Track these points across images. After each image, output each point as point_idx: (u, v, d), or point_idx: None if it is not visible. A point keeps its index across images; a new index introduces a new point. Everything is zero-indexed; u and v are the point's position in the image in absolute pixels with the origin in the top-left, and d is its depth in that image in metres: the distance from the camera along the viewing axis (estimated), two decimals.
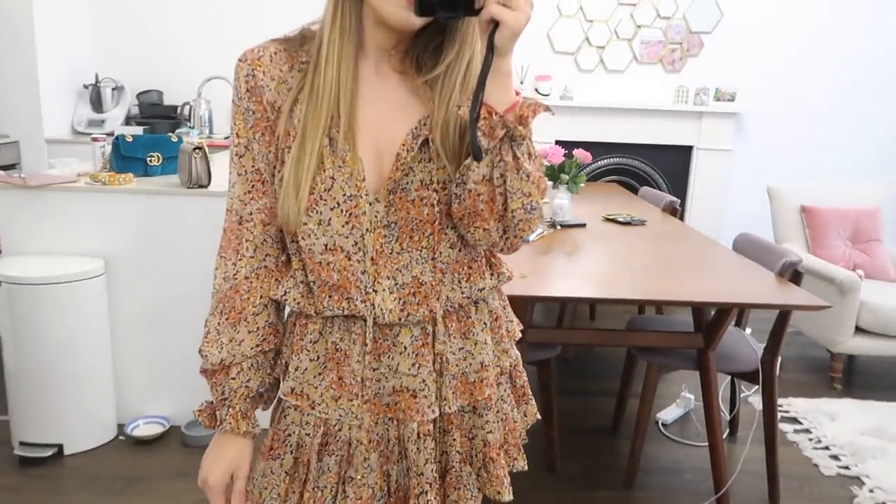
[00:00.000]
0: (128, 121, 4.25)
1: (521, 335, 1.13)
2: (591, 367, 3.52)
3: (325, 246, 0.94)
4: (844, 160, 4.73)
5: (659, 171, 4.75)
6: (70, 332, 2.43)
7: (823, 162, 4.73)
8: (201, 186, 2.53)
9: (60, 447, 2.47)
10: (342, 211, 0.93)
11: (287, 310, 1.05)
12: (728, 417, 2.87)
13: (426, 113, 0.94)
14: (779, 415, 3.00)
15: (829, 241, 3.64)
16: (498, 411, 1.06)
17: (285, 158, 0.93)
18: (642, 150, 4.71)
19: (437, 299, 0.98)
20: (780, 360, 3.54)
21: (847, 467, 2.60)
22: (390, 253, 0.95)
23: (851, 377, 3.51)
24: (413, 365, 0.98)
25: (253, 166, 0.97)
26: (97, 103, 4.18)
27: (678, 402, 3.02)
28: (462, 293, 1.00)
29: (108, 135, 3.90)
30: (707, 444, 2.29)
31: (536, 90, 4.49)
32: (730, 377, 2.82)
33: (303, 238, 0.95)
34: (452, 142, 0.92)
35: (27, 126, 3.92)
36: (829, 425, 2.91)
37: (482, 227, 0.92)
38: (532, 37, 4.50)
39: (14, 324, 2.39)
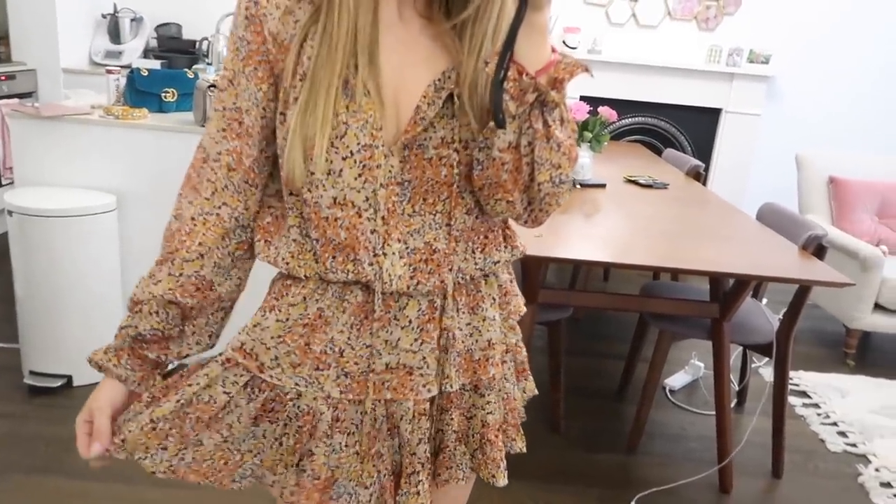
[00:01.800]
0: (145, 53, 4.19)
1: (525, 310, 1.07)
2: (602, 328, 3.49)
3: (334, 199, 0.85)
4: (876, 133, 4.57)
5: (685, 133, 4.63)
6: (80, 265, 2.42)
7: (854, 133, 4.58)
8: None
9: (69, 378, 2.49)
10: (356, 161, 0.83)
11: (275, 273, 0.96)
12: (737, 388, 2.84)
13: (452, 64, 0.86)
14: (789, 387, 2.98)
15: (855, 214, 3.55)
16: (500, 390, 1.00)
17: (290, 102, 0.84)
18: (669, 110, 4.59)
19: (450, 269, 0.89)
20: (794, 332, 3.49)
21: (854, 445, 2.57)
22: (402, 214, 0.86)
23: (866, 354, 3.46)
24: (416, 341, 0.90)
25: (234, 103, 0.87)
26: (115, 34, 4.10)
27: (687, 368, 3.00)
28: (475, 265, 0.92)
29: (124, 67, 3.84)
30: (713, 412, 2.27)
31: (564, 42, 4.35)
32: (741, 347, 2.78)
33: (308, 190, 0.85)
34: (482, 98, 0.84)
35: (44, 55, 3.87)
36: (838, 401, 2.88)
37: (505, 198, 0.85)
38: None
39: (25, 254, 2.38)
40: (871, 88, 4.52)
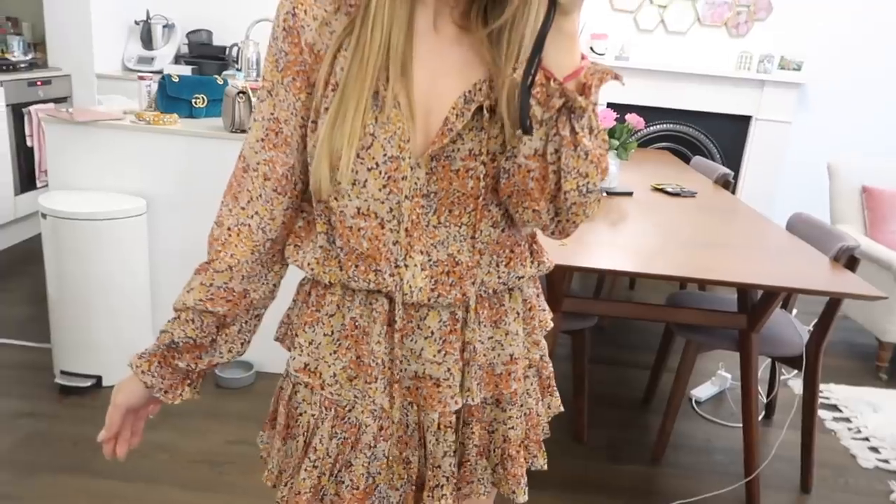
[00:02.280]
0: (177, 59, 4.25)
1: (552, 324, 1.06)
2: (628, 337, 3.46)
3: (358, 210, 0.86)
4: None
5: (714, 140, 4.58)
6: (111, 267, 2.46)
7: (887, 143, 4.49)
8: (244, 131, 2.51)
9: (99, 378, 2.53)
10: (380, 173, 0.84)
11: (302, 276, 0.99)
12: (765, 400, 2.79)
13: (484, 76, 0.85)
14: (819, 401, 2.92)
15: (889, 224, 3.47)
16: (522, 405, 0.99)
17: (321, 111, 0.85)
18: (698, 117, 4.54)
19: (473, 282, 0.89)
20: (825, 343, 3.43)
21: (886, 461, 2.51)
22: (426, 225, 0.87)
23: None
24: (439, 352, 0.90)
25: (272, 114, 0.89)
26: (147, 40, 4.18)
27: (713, 380, 2.96)
28: (499, 278, 0.92)
29: (156, 72, 3.91)
30: (740, 425, 2.23)
31: (591, 49, 4.32)
32: (770, 359, 2.74)
33: (335, 199, 0.87)
34: (513, 111, 0.83)
35: (79, 60, 3.95)
36: (870, 416, 2.82)
37: (532, 207, 0.84)
38: None
39: (57, 256, 2.43)
40: None
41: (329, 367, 0.93)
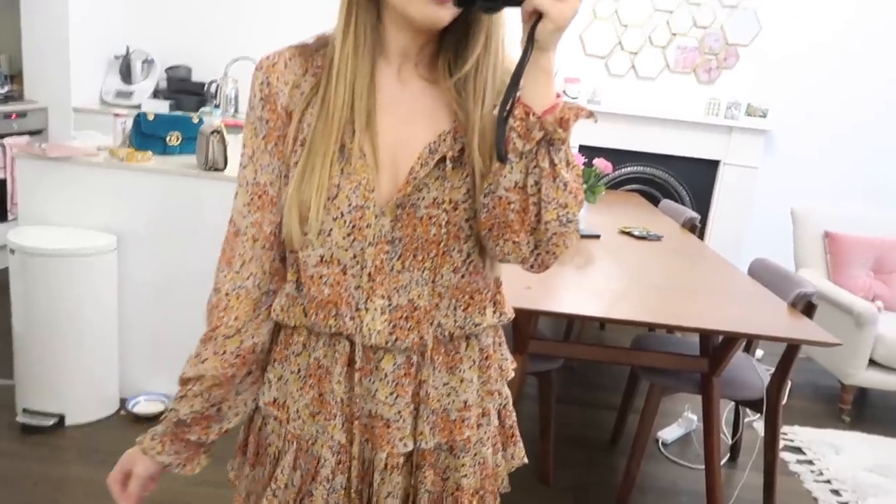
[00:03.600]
0: (155, 94, 4.28)
1: (512, 373, 1.08)
2: (596, 378, 3.49)
3: (321, 258, 0.90)
4: (872, 189, 4.61)
5: (683, 183, 4.68)
6: (79, 304, 2.45)
7: (850, 189, 4.62)
8: (217, 170, 2.54)
9: (62, 417, 2.50)
10: (345, 222, 0.88)
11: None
12: (730, 442, 2.83)
13: (449, 127, 0.90)
14: (782, 443, 2.96)
15: (851, 269, 3.57)
16: (476, 454, 1.00)
17: (291, 166, 0.89)
18: (668, 161, 4.65)
19: (430, 324, 0.92)
20: (788, 387, 3.49)
21: (847, 503, 2.55)
22: (390, 270, 0.90)
23: (862, 410, 3.45)
24: (391, 394, 0.93)
25: (254, 178, 0.94)
26: (126, 74, 4.20)
27: (680, 421, 2.99)
28: (456, 322, 0.94)
29: (134, 107, 3.93)
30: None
31: (564, 92, 4.43)
32: (735, 405, 2.78)
33: (301, 249, 0.91)
34: (490, 146, 0.87)
35: (56, 94, 3.96)
36: (833, 458, 2.86)
37: (512, 239, 0.86)
38: (564, 38, 4.42)
39: (25, 291, 2.42)
40: (867, 145, 4.58)
41: (295, 402, 0.96)
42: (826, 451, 2.91)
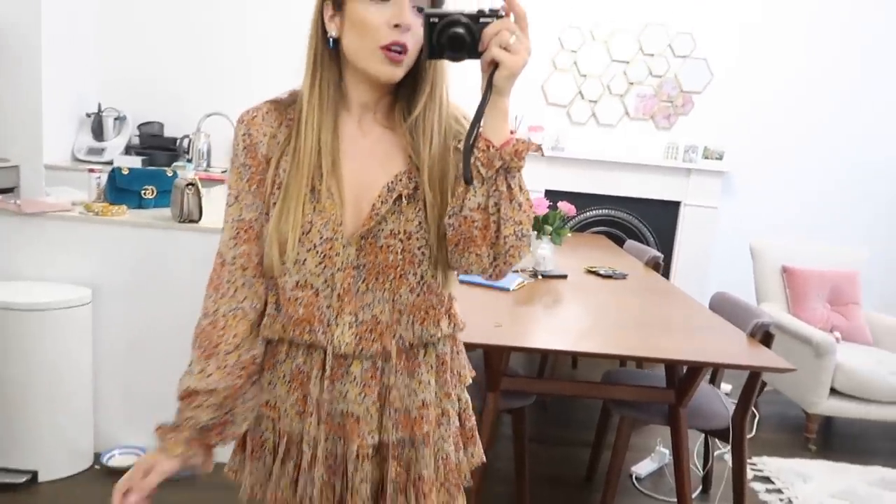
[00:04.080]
0: (128, 150, 4.32)
1: (470, 381, 1.23)
2: (569, 415, 3.54)
3: (297, 283, 1.06)
4: (825, 224, 4.82)
5: (647, 224, 4.83)
6: (53, 358, 2.45)
7: (805, 224, 4.82)
8: (192, 221, 2.59)
9: (35, 474, 2.47)
10: (317, 252, 1.05)
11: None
12: (701, 473, 2.88)
13: (404, 168, 1.06)
14: (752, 474, 3.03)
15: (809, 302, 3.70)
16: (438, 451, 1.15)
17: (270, 206, 1.06)
18: (631, 203, 4.80)
19: (393, 337, 1.09)
20: (757, 419, 3.58)
21: None
22: (356, 292, 1.07)
23: (828, 438, 3.54)
24: (360, 394, 1.09)
25: (239, 216, 1.09)
26: (98, 132, 4.26)
27: (653, 456, 3.04)
28: (414, 334, 1.10)
29: (106, 163, 3.97)
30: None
31: (528, 139, 4.58)
32: (704, 436, 2.85)
33: (279, 276, 1.07)
34: (441, 178, 1.06)
35: (28, 151, 3.99)
36: (800, 486, 2.93)
37: (475, 252, 1.02)
38: (526, 88, 4.62)
39: None
40: (819, 182, 4.79)
41: (283, 403, 1.13)
42: (794, 480, 2.98)
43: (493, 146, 0.95)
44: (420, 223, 1.06)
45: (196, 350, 1.11)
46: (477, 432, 1.23)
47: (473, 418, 1.22)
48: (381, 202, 1.05)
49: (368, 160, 1.08)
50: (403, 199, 1.05)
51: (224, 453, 1.19)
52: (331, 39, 1.04)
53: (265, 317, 1.11)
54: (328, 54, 1.05)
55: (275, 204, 1.05)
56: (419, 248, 1.07)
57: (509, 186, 0.98)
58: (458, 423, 1.20)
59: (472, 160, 0.96)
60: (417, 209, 1.06)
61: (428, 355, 1.14)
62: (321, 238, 1.04)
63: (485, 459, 1.23)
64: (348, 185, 1.06)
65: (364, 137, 1.09)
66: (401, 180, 1.06)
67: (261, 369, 1.14)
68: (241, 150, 1.09)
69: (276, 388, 1.13)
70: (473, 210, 0.99)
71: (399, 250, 1.06)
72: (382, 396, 1.11)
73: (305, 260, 1.05)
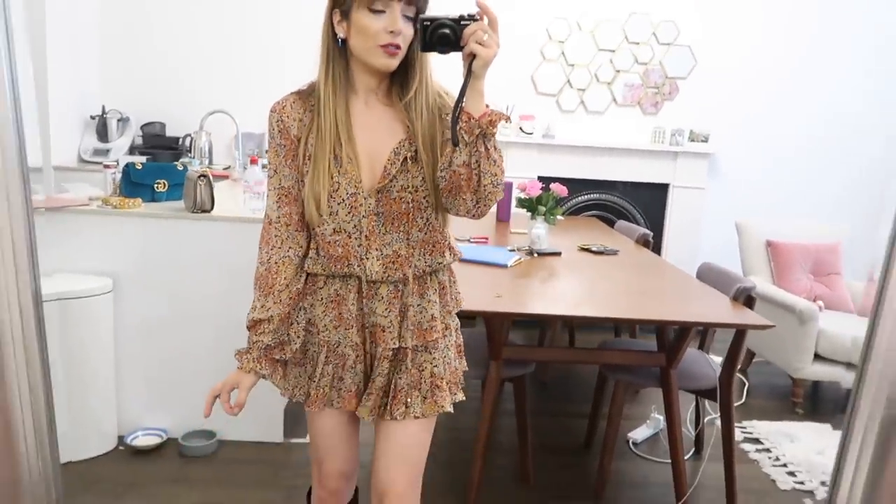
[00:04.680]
0: (132, 150, 4.46)
1: (463, 304, 1.57)
2: (567, 390, 3.70)
3: (334, 229, 1.39)
4: (808, 199, 4.99)
5: (637, 206, 4.99)
6: (77, 346, 2.59)
7: (789, 200, 4.99)
8: (204, 211, 2.73)
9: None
10: (346, 204, 1.37)
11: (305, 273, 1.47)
12: (692, 434, 3.04)
13: (405, 135, 1.38)
14: (742, 436, 3.20)
15: (793, 273, 3.87)
16: (444, 355, 1.49)
17: (304, 173, 1.38)
18: (622, 186, 4.96)
19: (410, 266, 1.42)
20: (746, 387, 3.74)
21: (802, 482, 2.78)
22: (379, 233, 1.39)
23: (815, 403, 3.71)
24: (386, 309, 1.43)
25: (280, 184, 1.42)
26: (103, 133, 4.39)
27: (648, 422, 3.20)
28: (426, 263, 1.44)
29: (111, 164, 4.10)
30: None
31: (521, 129, 4.74)
32: (695, 400, 3.01)
33: (318, 226, 1.39)
34: (432, 142, 1.37)
35: (38, 153, 4.11)
36: (788, 445, 3.10)
37: (462, 197, 1.33)
38: (517, 79, 4.77)
39: None
40: (801, 161, 4.96)
41: (321, 320, 1.46)
42: (782, 440, 3.15)
43: (473, 118, 1.25)
44: (423, 178, 1.37)
45: (256, 290, 1.44)
46: (463, 348, 1.58)
47: (462, 338, 1.58)
48: (391, 164, 1.36)
49: (376, 131, 1.38)
50: (408, 161, 1.36)
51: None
52: (340, 40, 1.34)
53: (307, 259, 1.44)
54: (337, 51, 1.35)
55: (307, 172, 1.36)
56: (424, 198, 1.39)
57: (486, 148, 1.28)
58: (455, 337, 1.54)
59: (458, 128, 1.26)
60: (419, 167, 1.37)
61: (433, 281, 1.46)
62: (347, 193, 1.36)
63: (466, 367, 1.59)
64: (362, 151, 1.37)
65: (370, 113, 1.39)
66: (403, 146, 1.37)
67: (302, 297, 1.46)
68: (277, 133, 1.39)
69: (315, 309, 1.46)
70: (460, 166, 1.29)
71: (409, 200, 1.38)
72: (402, 312, 1.43)
73: (338, 211, 1.37)
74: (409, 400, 1.45)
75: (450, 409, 1.48)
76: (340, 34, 1.33)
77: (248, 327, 1.45)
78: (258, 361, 1.45)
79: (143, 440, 2.79)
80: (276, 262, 1.43)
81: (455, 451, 2.90)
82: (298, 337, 1.48)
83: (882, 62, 4.85)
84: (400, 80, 1.38)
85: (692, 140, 4.89)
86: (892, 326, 0.62)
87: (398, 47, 1.30)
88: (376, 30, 1.28)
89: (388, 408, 1.45)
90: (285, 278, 1.43)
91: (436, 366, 1.47)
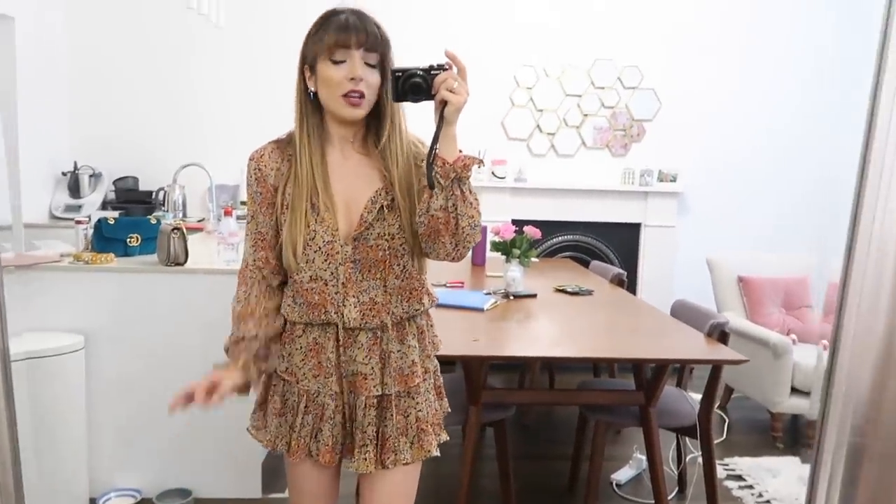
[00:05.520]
0: (104, 205, 4.44)
1: (441, 348, 1.61)
2: (549, 433, 3.67)
3: (311, 277, 1.42)
4: (774, 235, 5.10)
5: (610, 246, 5.05)
6: (48, 405, 2.53)
7: (756, 236, 5.09)
8: (178, 264, 2.72)
9: None
10: (322, 252, 1.40)
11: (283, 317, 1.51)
12: (675, 473, 3.03)
13: (382, 184, 1.42)
14: (725, 473, 3.19)
15: (766, 308, 3.93)
16: (425, 398, 1.52)
17: (282, 222, 1.42)
18: (594, 227, 5.03)
19: (388, 313, 1.44)
20: (727, 423, 3.75)
21: None
22: (356, 280, 1.42)
23: (795, 436, 3.72)
24: (365, 357, 1.44)
25: (256, 230, 1.47)
26: (75, 189, 4.37)
27: (631, 462, 3.19)
28: (403, 309, 1.47)
29: (86, 218, 4.07)
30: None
31: (493, 173, 4.81)
32: (676, 439, 3.01)
33: (296, 272, 1.43)
34: (409, 188, 1.41)
35: (7, 211, 4.07)
36: (770, 481, 3.10)
37: (441, 241, 1.38)
38: (487, 125, 4.86)
39: None
40: (767, 195, 5.08)
41: (300, 369, 1.48)
42: (764, 476, 3.15)
43: (448, 162, 1.31)
44: (399, 226, 1.41)
45: (235, 322, 1.48)
46: (443, 389, 1.61)
47: (441, 379, 1.61)
48: (368, 212, 1.40)
49: (353, 180, 1.43)
50: (385, 209, 1.40)
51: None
52: (311, 93, 1.40)
53: (286, 305, 1.47)
54: (311, 105, 1.41)
55: (286, 220, 1.40)
56: (401, 245, 1.43)
57: (462, 191, 1.34)
58: (434, 380, 1.57)
59: (434, 173, 1.31)
60: (396, 215, 1.41)
61: (411, 326, 1.49)
62: (324, 241, 1.39)
63: (449, 409, 1.62)
64: (339, 200, 1.41)
65: (346, 163, 1.44)
66: (380, 194, 1.41)
67: (280, 336, 1.49)
68: (254, 181, 1.45)
69: (293, 358, 1.47)
70: (437, 210, 1.34)
71: (386, 248, 1.42)
72: (383, 359, 1.45)
73: (314, 259, 1.40)
74: (397, 446, 1.46)
75: (436, 452, 1.51)
76: (311, 87, 1.39)
77: (227, 348, 1.48)
78: (246, 365, 1.47)
79: (115, 502, 2.71)
80: (255, 297, 1.48)
81: (439, 500, 2.85)
82: (272, 366, 1.50)
83: (825, 86, 5.02)
84: (375, 128, 1.43)
85: (661, 180, 4.99)
86: (850, 354, 0.64)
87: (362, 95, 1.35)
88: (339, 79, 1.34)
89: (378, 457, 1.46)
90: (265, 308, 1.48)
91: (420, 410, 1.49)
